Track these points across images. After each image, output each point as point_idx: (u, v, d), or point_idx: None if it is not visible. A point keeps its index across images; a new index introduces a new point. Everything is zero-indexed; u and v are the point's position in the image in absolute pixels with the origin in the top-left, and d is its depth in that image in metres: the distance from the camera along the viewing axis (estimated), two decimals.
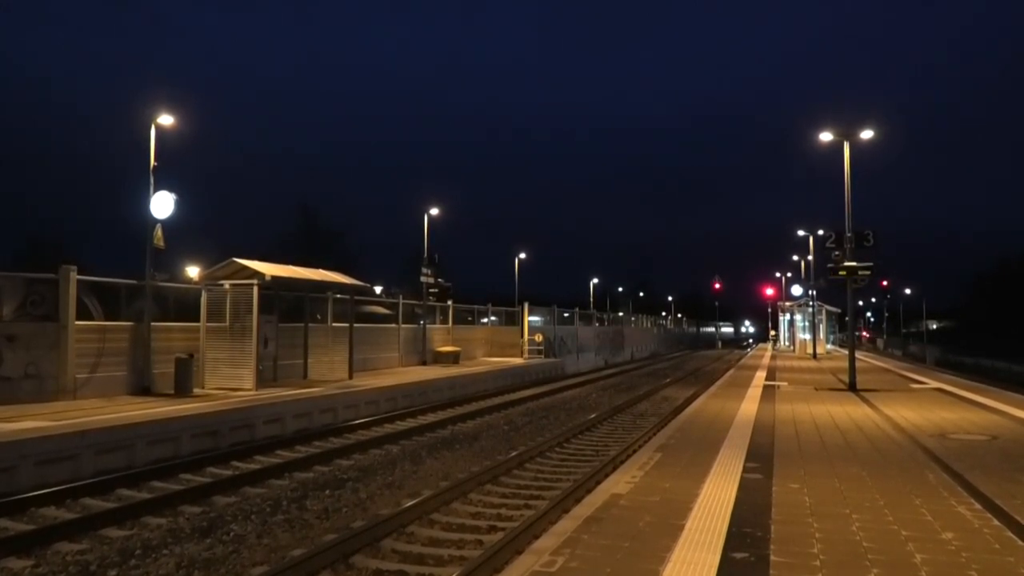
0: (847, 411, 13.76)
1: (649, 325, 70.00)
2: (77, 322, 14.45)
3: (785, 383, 20.64)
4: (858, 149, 19.48)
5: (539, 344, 35.28)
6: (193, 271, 29.33)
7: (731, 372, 28.03)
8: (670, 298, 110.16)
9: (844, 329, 51.09)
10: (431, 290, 28.93)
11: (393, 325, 27.00)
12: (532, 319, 37.40)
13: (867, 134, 19.06)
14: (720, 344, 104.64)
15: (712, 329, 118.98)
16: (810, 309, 42.42)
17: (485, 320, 38.42)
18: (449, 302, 31.38)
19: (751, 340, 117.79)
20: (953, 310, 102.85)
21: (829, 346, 48.95)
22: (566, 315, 42.49)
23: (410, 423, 16.41)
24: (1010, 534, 5.62)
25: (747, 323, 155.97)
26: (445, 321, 31.57)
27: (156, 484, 10.26)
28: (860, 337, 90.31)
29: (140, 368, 15.59)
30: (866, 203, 58.69)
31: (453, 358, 28.41)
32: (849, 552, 5.17)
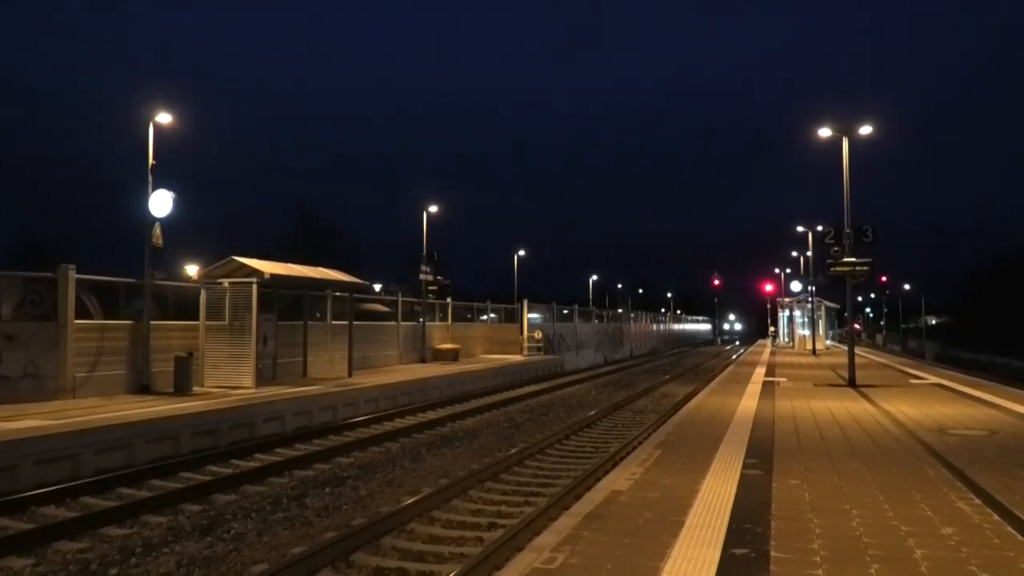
0: (847, 407, 13.76)
1: (648, 322, 69.95)
2: (76, 321, 14.43)
3: (784, 379, 20.65)
4: (857, 145, 19.50)
5: (538, 341, 35.24)
6: (192, 270, 29.33)
7: (730, 368, 28.04)
8: (669, 295, 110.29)
9: (843, 324, 51.15)
10: (430, 288, 28.93)
11: (392, 323, 26.99)
12: (531, 316, 37.35)
13: (866, 130, 19.09)
14: (719, 341, 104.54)
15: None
16: (809, 305, 42.43)
17: (484, 317, 38.39)
18: (448, 300, 31.39)
19: (737, 342, 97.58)
20: (952, 306, 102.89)
21: (828, 342, 49.03)
22: (565, 312, 42.44)
23: (410, 420, 16.41)
24: (1010, 529, 5.62)
25: (731, 318, 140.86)
26: (444, 319, 31.56)
27: (156, 483, 10.26)
28: (859, 331, 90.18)
29: (139, 367, 15.58)
30: (865, 200, 58.80)
31: (452, 355, 28.40)
32: (849, 547, 5.18)
